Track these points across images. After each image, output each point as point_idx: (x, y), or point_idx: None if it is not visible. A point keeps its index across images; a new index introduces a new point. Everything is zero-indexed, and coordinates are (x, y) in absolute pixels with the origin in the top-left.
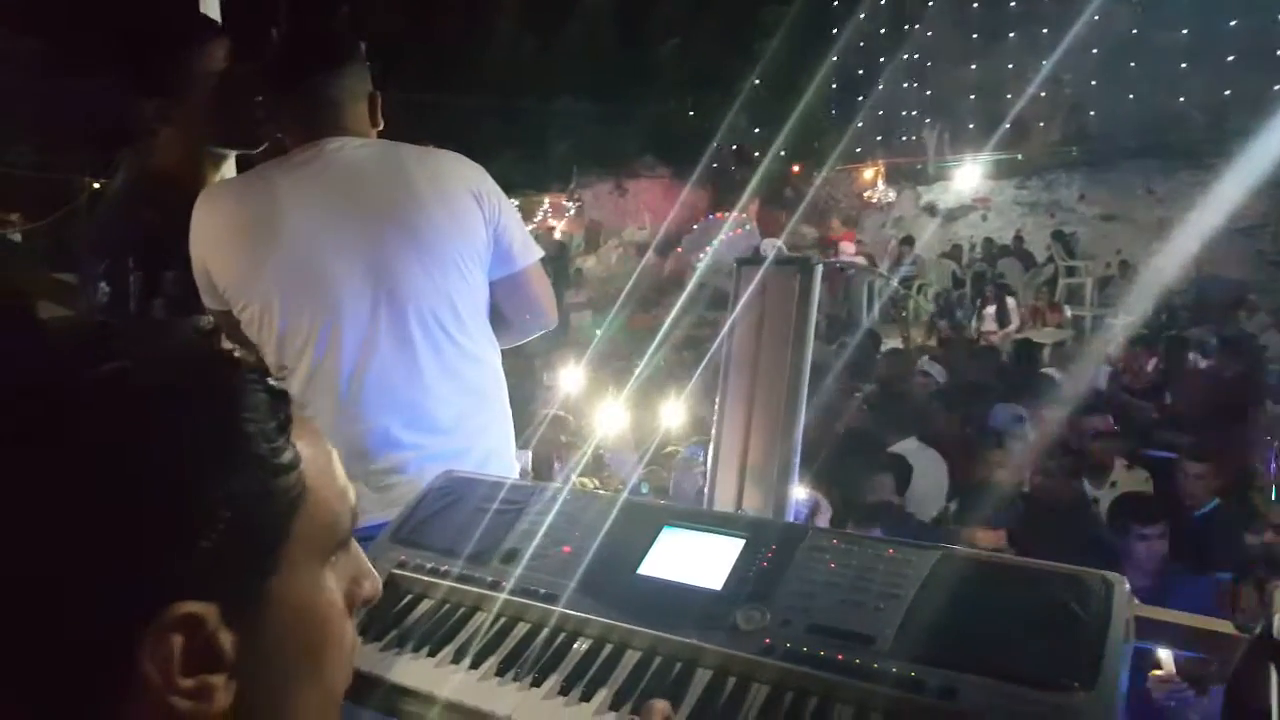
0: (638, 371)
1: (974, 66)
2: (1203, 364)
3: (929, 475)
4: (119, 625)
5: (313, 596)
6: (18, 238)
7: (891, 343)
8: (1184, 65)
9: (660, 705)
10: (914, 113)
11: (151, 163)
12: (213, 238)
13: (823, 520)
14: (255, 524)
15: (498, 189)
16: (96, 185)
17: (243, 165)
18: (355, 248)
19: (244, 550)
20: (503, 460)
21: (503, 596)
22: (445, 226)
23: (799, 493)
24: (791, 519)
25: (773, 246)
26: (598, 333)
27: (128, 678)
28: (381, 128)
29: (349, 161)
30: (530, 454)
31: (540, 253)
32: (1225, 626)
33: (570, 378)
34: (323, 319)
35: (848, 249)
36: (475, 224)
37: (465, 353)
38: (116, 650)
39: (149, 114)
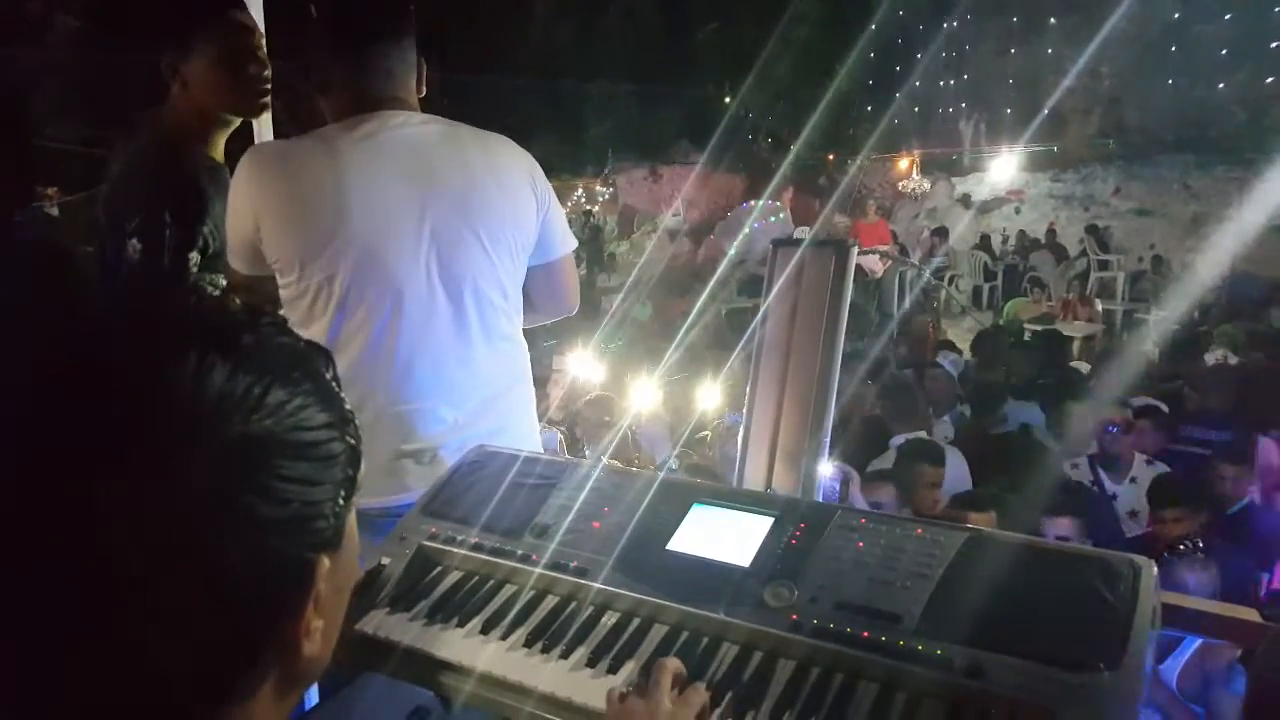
0: (668, 354)
1: (1011, 58)
2: (1232, 360)
3: (952, 469)
4: (299, 588)
5: (354, 530)
6: (55, 211)
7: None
8: (1223, 60)
9: (672, 662)
10: (950, 103)
11: (167, 123)
12: (273, 203)
13: (855, 489)
14: (354, 475)
15: (546, 180)
16: None
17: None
18: (420, 229)
19: (346, 500)
20: (531, 439)
21: (532, 570)
22: (504, 212)
23: (825, 469)
24: (822, 494)
25: (806, 234)
26: (644, 316)
27: (288, 629)
28: (423, 94)
29: (414, 140)
30: (557, 434)
31: (575, 243)
32: (1251, 614)
33: (584, 360)
34: (385, 298)
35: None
36: (529, 212)
37: (507, 335)
38: (292, 608)
39: (164, 68)
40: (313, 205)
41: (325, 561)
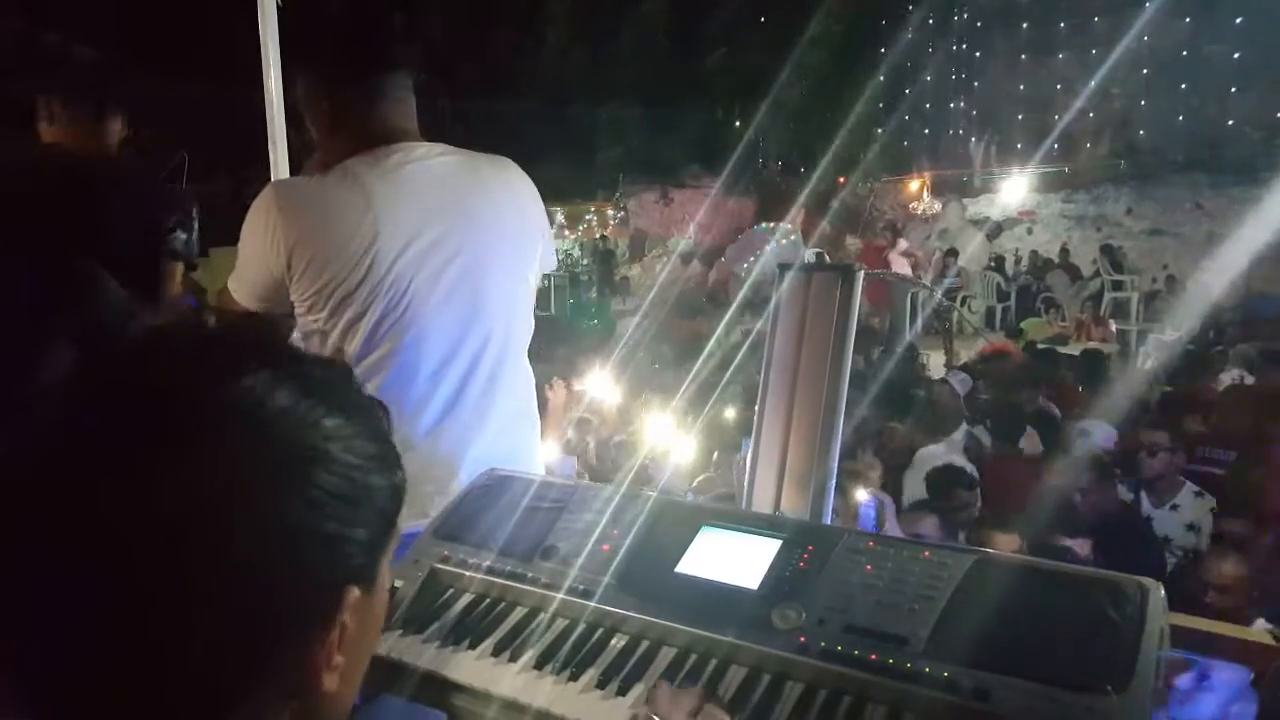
0: (684, 387)
1: (1022, 79)
2: (1248, 380)
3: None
4: (324, 612)
5: (386, 573)
6: None
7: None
8: (1235, 80)
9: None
10: (961, 125)
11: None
12: (308, 239)
13: (890, 516)
14: (392, 511)
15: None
16: None
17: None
18: (451, 261)
19: (384, 536)
20: (536, 464)
21: (542, 592)
22: (522, 238)
23: (861, 495)
24: (859, 523)
25: (815, 256)
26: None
27: (308, 661)
28: None
29: (439, 172)
30: (573, 462)
31: (555, 263)
32: (1263, 636)
33: (601, 382)
34: (411, 329)
35: (900, 261)
36: (538, 239)
37: (519, 370)
38: (315, 632)
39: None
40: (349, 242)
41: (355, 592)
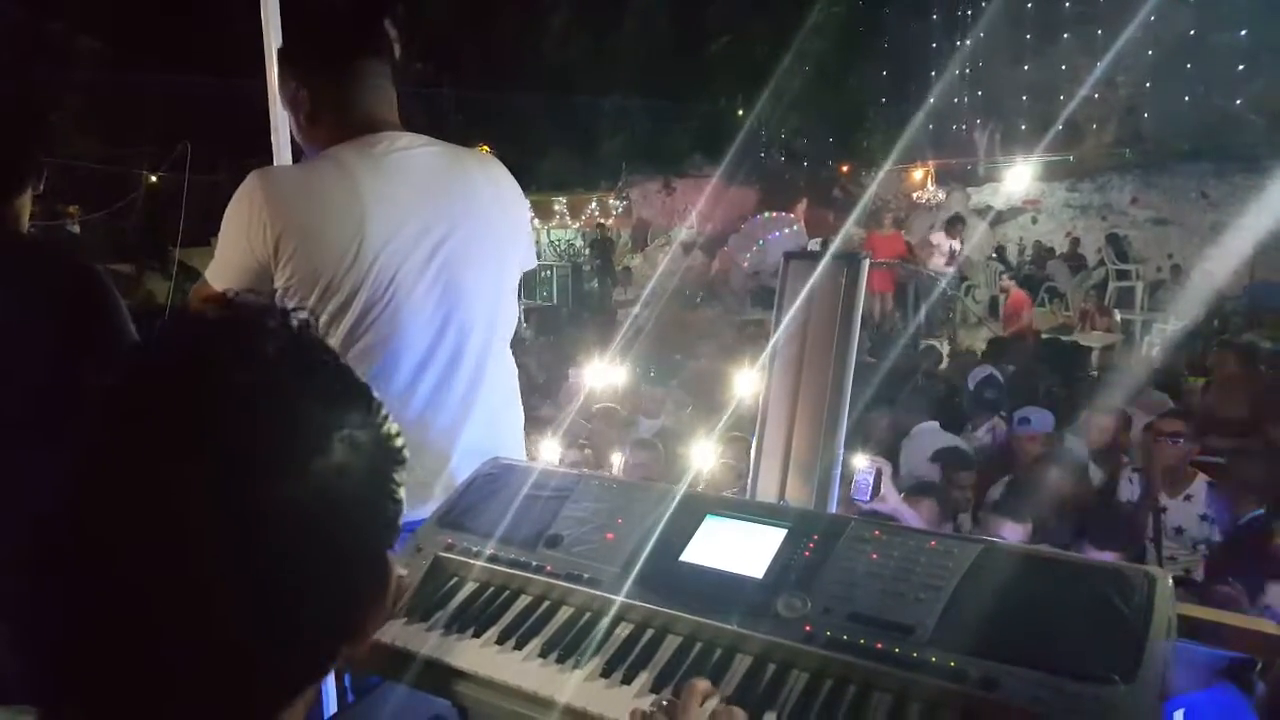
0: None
1: (1027, 67)
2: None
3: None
4: (383, 581)
5: None
6: (76, 229)
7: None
8: (1241, 67)
9: (702, 684)
10: (965, 113)
11: None
12: (297, 225)
13: (888, 485)
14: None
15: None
16: (155, 179)
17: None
18: (435, 253)
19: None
20: (522, 453)
21: (547, 580)
22: (505, 233)
23: (860, 462)
24: (855, 489)
25: (819, 245)
26: None
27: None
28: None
29: (423, 163)
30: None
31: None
32: (1270, 627)
33: (602, 372)
34: (395, 320)
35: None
36: (523, 238)
37: (503, 362)
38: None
39: None
40: (337, 230)
41: (398, 566)
